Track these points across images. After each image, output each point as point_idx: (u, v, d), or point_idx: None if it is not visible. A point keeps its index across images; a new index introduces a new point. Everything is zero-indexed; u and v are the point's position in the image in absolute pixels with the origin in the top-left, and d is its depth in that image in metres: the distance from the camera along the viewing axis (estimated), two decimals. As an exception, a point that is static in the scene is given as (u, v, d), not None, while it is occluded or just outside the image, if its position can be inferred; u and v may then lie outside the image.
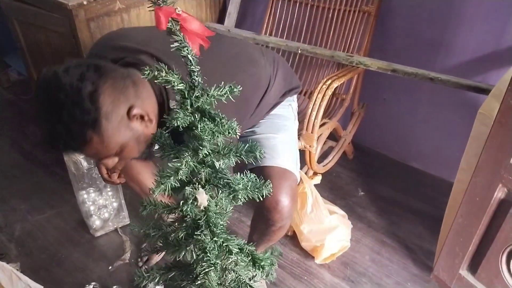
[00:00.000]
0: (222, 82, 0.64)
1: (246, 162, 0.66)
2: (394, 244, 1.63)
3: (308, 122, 1.43)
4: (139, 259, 1.51)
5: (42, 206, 1.79)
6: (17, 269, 1.42)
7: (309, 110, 1.42)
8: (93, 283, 1.43)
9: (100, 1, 1.66)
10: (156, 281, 0.76)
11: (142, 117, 0.92)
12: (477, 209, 1.15)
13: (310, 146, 1.46)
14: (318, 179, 1.61)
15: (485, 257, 1.18)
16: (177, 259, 0.70)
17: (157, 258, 1.48)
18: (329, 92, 1.44)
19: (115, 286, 1.42)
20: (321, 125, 1.54)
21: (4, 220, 1.72)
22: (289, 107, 1.34)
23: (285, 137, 1.22)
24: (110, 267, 1.52)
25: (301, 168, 1.51)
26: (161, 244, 0.74)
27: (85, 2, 1.61)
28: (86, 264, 1.54)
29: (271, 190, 0.70)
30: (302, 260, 1.55)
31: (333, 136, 1.86)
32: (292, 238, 1.62)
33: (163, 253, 1.47)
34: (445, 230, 1.35)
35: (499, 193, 1.09)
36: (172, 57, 0.96)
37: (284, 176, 1.10)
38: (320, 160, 1.76)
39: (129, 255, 1.55)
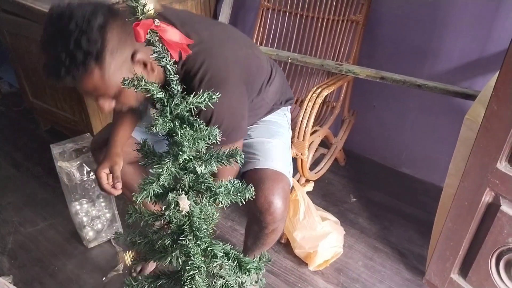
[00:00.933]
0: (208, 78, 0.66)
1: (240, 166, 0.68)
2: (386, 249, 1.64)
3: (299, 130, 1.45)
4: (132, 270, 1.51)
5: (35, 218, 1.78)
6: (10, 282, 1.41)
7: (300, 118, 1.44)
8: (87, 294, 1.43)
9: (91, 13, 1.67)
10: (144, 288, 0.77)
11: (145, 65, 0.94)
12: (466, 213, 1.17)
13: (301, 153, 1.48)
14: (310, 187, 1.63)
15: (475, 261, 1.20)
16: (165, 266, 0.72)
17: (150, 268, 1.49)
18: (319, 100, 1.46)
19: (109, 297, 1.42)
20: (312, 133, 1.57)
21: (-4, 233, 1.71)
22: (284, 116, 1.38)
23: (279, 142, 1.25)
24: (104, 278, 1.51)
25: (293, 176, 1.53)
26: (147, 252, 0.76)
27: (76, 14, 1.62)
28: (79, 275, 1.53)
29: (253, 194, 0.71)
30: (295, 267, 1.56)
31: (325, 144, 1.89)
32: (286, 246, 1.63)
33: (155, 263, 1.49)
34: (436, 235, 1.37)
35: (487, 197, 1.11)
36: (184, 24, 0.99)
37: (277, 178, 1.12)
38: (312, 167, 1.78)
39: (122, 266, 1.55)
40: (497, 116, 1.00)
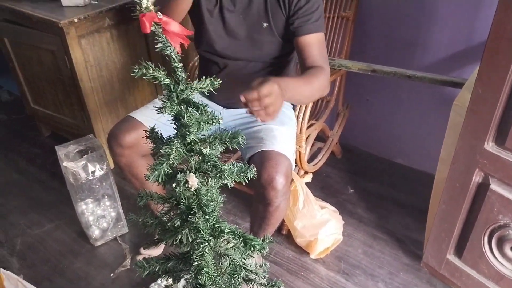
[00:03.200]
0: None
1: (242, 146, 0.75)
2: (384, 237, 1.69)
3: (296, 123, 1.50)
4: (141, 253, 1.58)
5: (41, 220, 1.82)
6: (21, 280, 1.45)
7: (296, 112, 1.50)
8: (96, 290, 1.47)
9: (90, 18, 1.73)
10: (156, 270, 0.82)
11: None
12: (458, 195, 1.23)
13: (299, 146, 1.53)
14: (309, 178, 1.67)
15: (469, 240, 1.25)
16: (174, 244, 0.77)
17: (158, 252, 1.56)
18: (314, 94, 1.51)
19: (117, 292, 1.46)
20: (308, 126, 1.62)
21: (4, 235, 1.75)
22: (292, 110, 1.50)
23: (286, 130, 1.35)
24: (111, 274, 1.56)
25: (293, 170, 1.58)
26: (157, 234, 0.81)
27: (76, 20, 1.67)
28: (88, 272, 1.57)
29: (257, 172, 0.77)
30: (297, 256, 1.61)
31: (321, 138, 1.94)
32: (287, 237, 1.68)
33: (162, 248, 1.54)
34: (431, 218, 1.42)
35: (477, 177, 1.16)
36: None
37: (280, 158, 1.19)
38: (310, 160, 1.83)
39: (130, 261, 1.60)
40: (482, 98, 1.06)
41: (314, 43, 1.28)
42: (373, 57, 1.84)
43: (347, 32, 1.77)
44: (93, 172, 1.55)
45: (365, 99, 2.04)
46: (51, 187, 2.01)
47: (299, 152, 1.54)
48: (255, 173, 0.76)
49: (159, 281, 1.38)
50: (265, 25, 1.32)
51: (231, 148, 0.74)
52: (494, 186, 1.12)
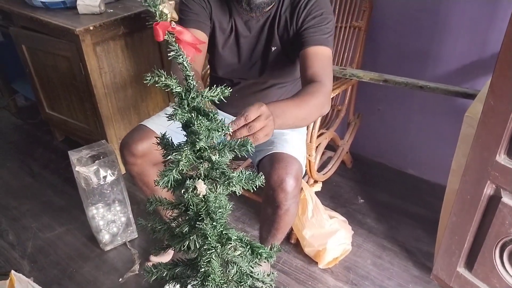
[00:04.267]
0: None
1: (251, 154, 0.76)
2: (394, 248, 1.68)
3: (307, 132, 1.50)
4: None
5: (52, 223, 1.85)
6: (31, 283, 1.47)
7: (307, 121, 1.50)
8: (104, 294, 1.48)
9: (105, 26, 1.76)
10: (164, 275, 0.83)
11: None
12: (469, 207, 1.21)
13: (309, 155, 1.53)
14: (318, 187, 1.67)
15: (480, 253, 1.23)
16: (182, 250, 0.77)
17: (167, 258, 1.56)
18: (325, 103, 1.51)
19: (126, 297, 1.47)
20: (319, 135, 1.62)
21: (16, 238, 1.78)
22: None
23: (297, 135, 1.37)
24: (120, 279, 1.57)
25: (302, 178, 1.58)
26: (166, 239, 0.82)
27: (91, 28, 1.71)
28: (97, 277, 1.59)
29: (264, 181, 0.77)
30: (305, 266, 1.60)
31: (332, 147, 1.94)
32: (296, 246, 1.67)
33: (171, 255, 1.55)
34: (442, 230, 1.41)
35: (488, 189, 1.15)
36: None
37: (291, 160, 1.19)
38: (320, 169, 1.83)
39: (138, 266, 1.61)
40: (494, 110, 1.05)
41: (318, 55, 1.23)
42: (385, 67, 1.84)
43: (359, 42, 1.77)
44: (105, 177, 1.56)
45: (376, 109, 2.04)
46: (64, 191, 2.04)
47: (309, 161, 1.54)
48: (263, 181, 0.77)
49: (166, 286, 1.39)
50: (273, 48, 1.35)
51: (239, 156, 0.75)
52: (506, 199, 1.11)
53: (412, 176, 2.05)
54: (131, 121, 2.05)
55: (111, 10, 1.85)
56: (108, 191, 1.62)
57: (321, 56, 1.23)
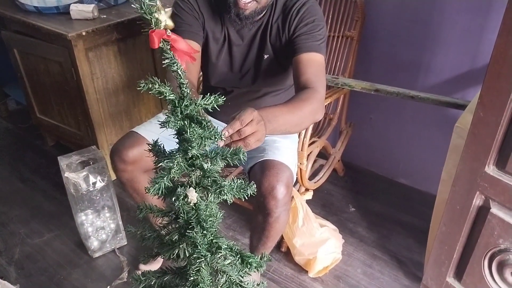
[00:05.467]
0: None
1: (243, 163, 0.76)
2: (385, 257, 1.68)
3: (298, 140, 1.50)
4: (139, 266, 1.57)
5: (41, 229, 1.83)
6: (17, 290, 1.45)
7: (298, 129, 1.50)
8: (92, 302, 1.46)
9: (98, 32, 1.76)
10: (152, 284, 0.82)
11: None
12: (458, 217, 1.22)
13: (300, 163, 1.53)
14: (309, 195, 1.67)
15: (469, 263, 1.24)
16: (171, 259, 0.77)
17: (156, 266, 1.54)
18: (316, 112, 1.51)
19: (113, 305, 1.45)
20: (310, 144, 1.62)
21: (3, 244, 1.75)
22: None
23: (289, 143, 1.37)
24: (108, 287, 1.55)
25: (293, 186, 1.58)
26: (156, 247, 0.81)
27: (84, 33, 1.70)
28: (85, 284, 1.57)
29: (255, 190, 0.77)
30: (296, 274, 1.59)
31: (324, 155, 1.94)
32: (286, 254, 1.67)
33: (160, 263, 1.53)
34: (431, 240, 1.41)
35: (477, 200, 1.16)
36: None
37: (282, 168, 1.19)
38: (312, 177, 1.82)
39: (127, 274, 1.59)
40: (483, 122, 1.06)
41: (311, 61, 1.23)
42: (377, 77, 1.85)
43: (351, 52, 1.78)
44: (94, 183, 1.55)
45: (368, 118, 2.04)
46: (53, 197, 2.02)
47: (300, 169, 1.54)
48: (255, 190, 0.76)
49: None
50: (265, 56, 1.36)
51: (232, 164, 0.75)
52: (495, 210, 1.12)
53: (404, 185, 2.06)
54: (122, 127, 2.04)
55: (105, 16, 1.84)
56: (97, 197, 1.60)
57: (314, 63, 1.23)
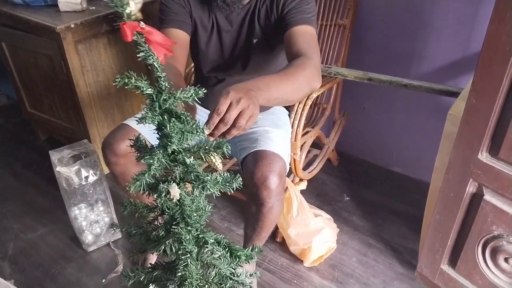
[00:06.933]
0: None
1: (227, 156, 0.75)
2: (379, 245, 1.68)
3: (291, 130, 1.50)
4: (134, 263, 1.56)
5: (35, 224, 1.81)
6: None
7: (291, 120, 1.49)
8: (87, 296, 1.46)
9: (87, 24, 1.73)
10: (141, 279, 0.81)
11: None
12: (452, 205, 1.22)
13: (294, 154, 1.53)
14: (303, 185, 1.67)
15: (463, 250, 1.24)
16: (161, 258, 0.76)
17: (152, 261, 1.53)
18: (309, 102, 1.51)
19: (109, 298, 1.45)
20: (304, 134, 1.62)
21: (-3, 240, 1.74)
22: (287, 116, 1.51)
23: (281, 132, 1.35)
24: (103, 280, 1.54)
25: (287, 176, 1.58)
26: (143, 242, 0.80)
27: (72, 25, 1.67)
28: (79, 278, 1.56)
29: (241, 183, 0.75)
30: (291, 264, 1.60)
31: (318, 145, 1.94)
32: (281, 244, 1.67)
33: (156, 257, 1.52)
34: (425, 228, 1.41)
35: (471, 187, 1.16)
36: None
37: (275, 158, 1.18)
38: (306, 168, 1.82)
39: (121, 267, 1.58)
40: (476, 109, 1.05)
41: (303, 32, 1.20)
42: (369, 66, 1.84)
43: (344, 41, 1.77)
44: (86, 177, 1.54)
45: (362, 107, 2.04)
46: (46, 191, 2.00)
47: (294, 159, 1.54)
48: (241, 183, 0.75)
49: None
50: (255, 40, 1.34)
51: (226, 156, 0.74)
52: (488, 196, 1.12)
53: (398, 174, 2.06)
54: (114, 120, 2.02)
55: (93, 8, 1.82)
56: (90, 191, 1.59)
57: (305, 34, 1.21)
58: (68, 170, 1.49)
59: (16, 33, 1.88)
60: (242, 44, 1.36)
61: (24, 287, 1.51)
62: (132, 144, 0.73)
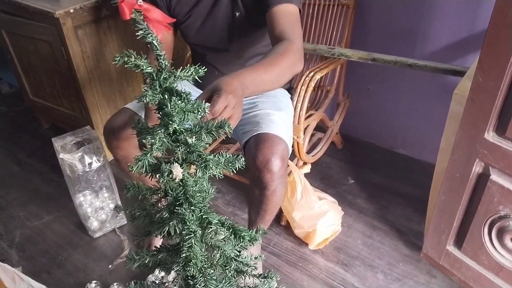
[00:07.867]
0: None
1: (229, 136, 0.75)
2: (384, 227, 1.68)
3: (294, 113, 1.48)
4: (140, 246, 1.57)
5: (40, 212, 1.82)
6: (19, 272, 1.45)
7: (294, 102, 1.48)
8: (94, 281, 1.47)
9: (86, 9, 1.71)
10: (146, 262, 0.81)
11: None
12: (457, 185, 1.21)
13: (297, 137, 1.51)
14: (307, 168, 1.66)
15: (469, 231, 1.24)
16: (163, 236, 0.76)
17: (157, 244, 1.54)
18: (312, 84, 1.49)
19: (115, 283, 1.45)
20: (307, 117, 1.60)
21: (3, 227, 1.75)
22: (288, 98, 1.49)
23: (283, 115, 1.33)
24: (110, 266, 1.56)
25: (291, 160, 1.57)
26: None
27: (71, 10, 1.65)
28: (86, 264, 1.57)
29: (244, 164, 0.75)
30: (296, 247, 1.60)
31: (322, 129, 1.92)
32: (286, 228, 1.67)
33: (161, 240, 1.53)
34: (431, 209, 1.41)
35: (477, 167, 1.14)
36: None
37: (277, 141, 1.17)
38: (310, 151, 1.81)
39: (128, 252, 1.59)
40: (482, 88, 1.03)
41: (284, 12, 1.18)
42: (373, 46, 1.81)
43: (347, 21, 1.74)
44: (90, 164, 1.54)
45: (366, 89, 2.01)
46: (51, 179, 2.01)
47: (298, 142, 1.53)
48: (243, 163, 0.74)
49: (156, 272, 1.38)
50: (237, 14, 1.31)
51: (217, 138, 0.73)
52: (495, 176, 1.10)
53: (403, 156, 2.05)
54: (117, 106, 2.01)
55: (92, -8, 1.79)
56: (94, 178, 1.59)
57: (287, 14, 1.19)
58: (72, 157, 1.49)
59: (15, 20, 1.86)
60: (224, 14, 1.32)
61: (32, 274, 1.52)
62: (133, 126, 0.72)
